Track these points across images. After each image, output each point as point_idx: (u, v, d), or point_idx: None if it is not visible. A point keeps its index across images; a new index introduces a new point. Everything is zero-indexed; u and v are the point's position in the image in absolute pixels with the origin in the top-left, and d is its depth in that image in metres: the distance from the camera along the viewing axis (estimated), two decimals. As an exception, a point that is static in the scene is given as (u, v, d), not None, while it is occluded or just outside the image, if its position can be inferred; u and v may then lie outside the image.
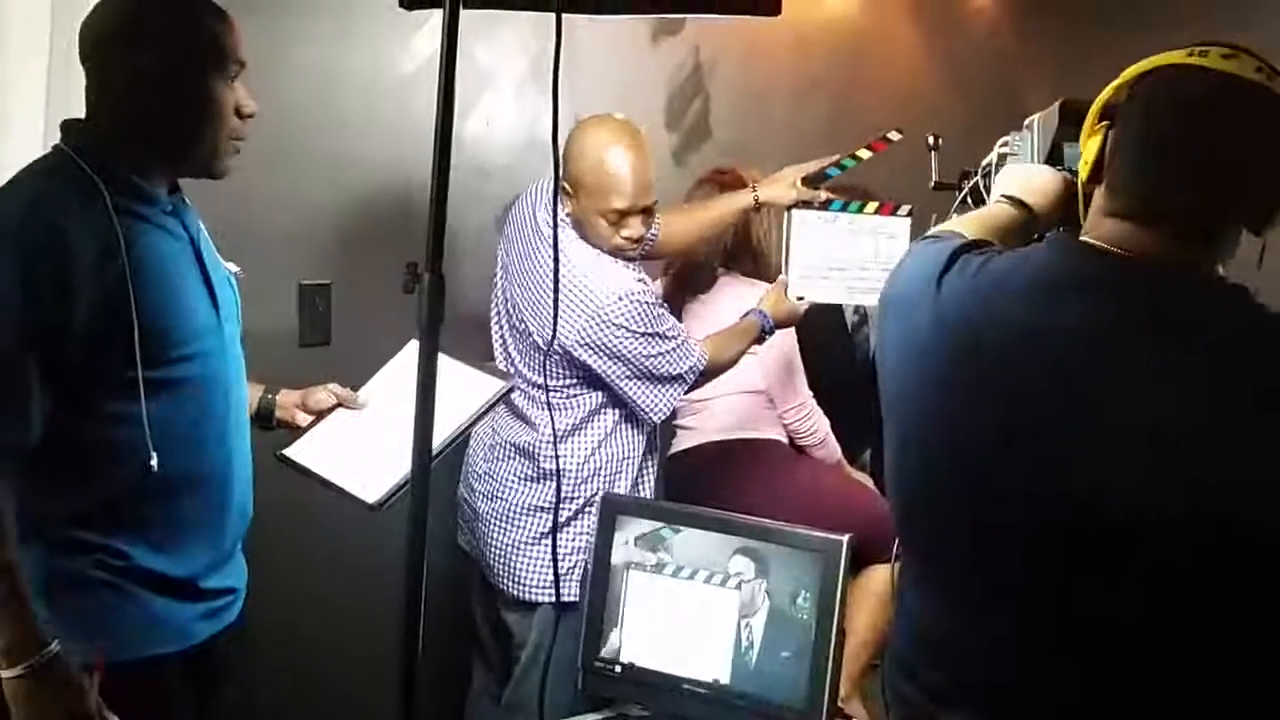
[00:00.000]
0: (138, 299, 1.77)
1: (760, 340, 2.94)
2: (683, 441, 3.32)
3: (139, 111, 1.86)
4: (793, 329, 3.24)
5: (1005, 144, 2.05)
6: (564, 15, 1.70)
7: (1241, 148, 1.46)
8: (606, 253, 2.75)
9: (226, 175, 1.95)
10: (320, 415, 2.30)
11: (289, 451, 2.26)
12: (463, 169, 2.98)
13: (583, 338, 2.67)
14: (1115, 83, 1.55)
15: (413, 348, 2.35)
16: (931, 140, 2.55)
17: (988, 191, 2.06)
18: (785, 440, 3.32)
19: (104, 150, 1.84)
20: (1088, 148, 1.58)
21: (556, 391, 2.74)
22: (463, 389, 2.30)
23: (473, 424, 2.30)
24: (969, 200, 2.10)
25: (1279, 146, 1.46)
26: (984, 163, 2.10)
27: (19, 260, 1.71)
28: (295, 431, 2.28)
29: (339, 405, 2.31)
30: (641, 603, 2.49)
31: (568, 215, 2.74)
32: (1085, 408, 1.41)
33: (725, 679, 2.39)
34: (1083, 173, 1.60)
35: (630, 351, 2.69)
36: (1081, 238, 1.54)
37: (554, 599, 2.74)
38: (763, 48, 3.81)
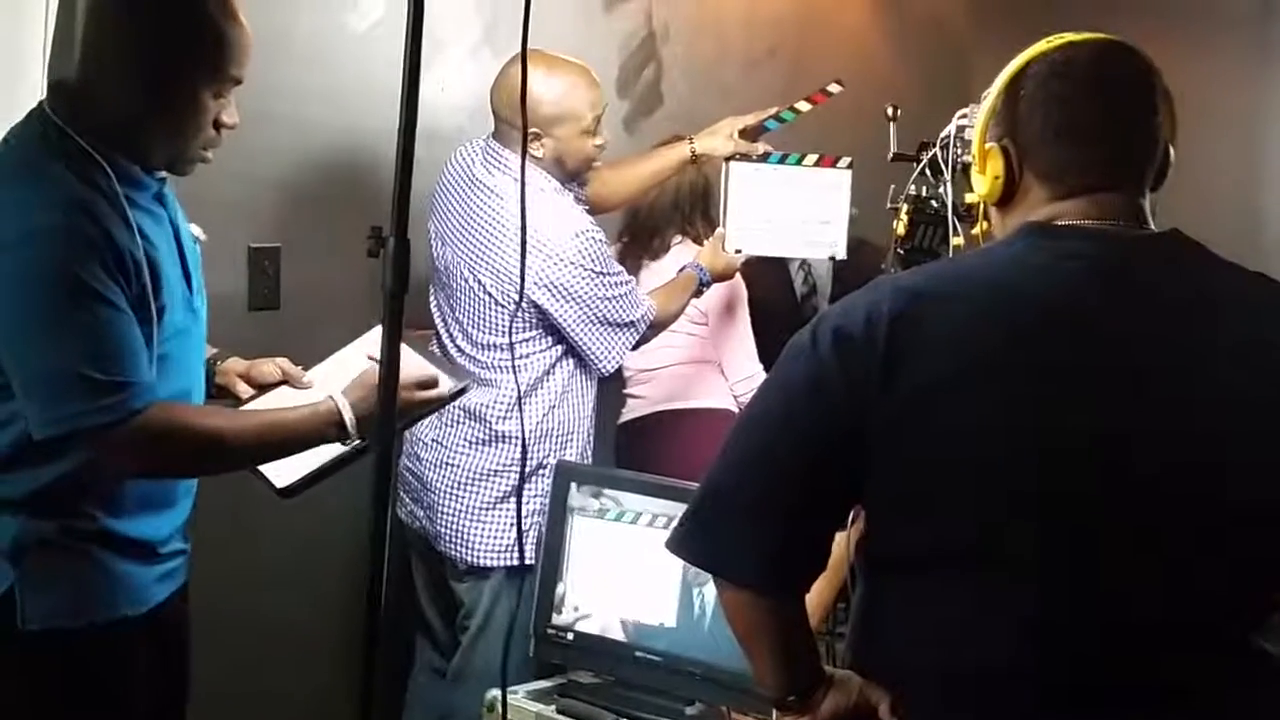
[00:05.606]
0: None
1: (698, 293, 2.95)
2: (633, 410, 3.32)
3: (139, 102, 1.84)
4: (745, 300, 3.24)
5: (964, 115, 2.06)
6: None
7: (1152, 99, 1.46)
8: (570, 175, 2.82)
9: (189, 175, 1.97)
10: (263, 389, 2.24)
11: None
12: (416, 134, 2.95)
13: (539, 278, 2.68)
14: (988, 104, 1.50)
15: (370, 336, 2.33)
16: (890, 111, 2.54)
17: (945, 164, 2.07)
18: (735, 411, 3.32)
19: (105, 135, 1.83)
20: (989, 171, 1.48)
21: (506, 351, 2.73)
22: None
23: (420, 418, 2.27)
24: (927, 171, 2.11)
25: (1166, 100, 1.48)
26: (942, 134, 2.11)
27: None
28: (234, 401, 2.22)
29: (284, 382, 2.26)
30: (586, 549, 2.52)
31: (535, 159, 2.74)
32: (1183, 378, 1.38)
33: (676, 645, 2.41)
34: (994, 194, 1.50)
35: (585, 291, 2.70)
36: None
37: (513, 563, 2.74)
38: (715, 16, 3.79)
